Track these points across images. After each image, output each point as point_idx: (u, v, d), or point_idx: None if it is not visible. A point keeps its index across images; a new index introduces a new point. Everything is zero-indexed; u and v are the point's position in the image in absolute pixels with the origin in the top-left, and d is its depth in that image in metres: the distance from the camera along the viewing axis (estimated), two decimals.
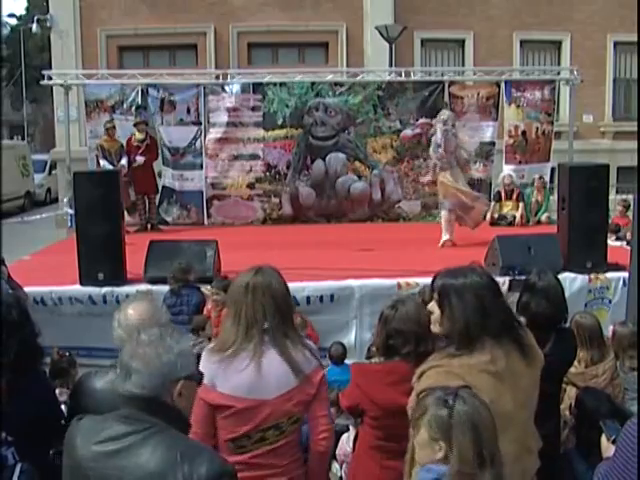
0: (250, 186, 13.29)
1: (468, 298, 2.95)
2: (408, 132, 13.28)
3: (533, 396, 3.10)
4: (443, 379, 2.80)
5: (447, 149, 10.14)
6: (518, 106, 13.40)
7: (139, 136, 12.33)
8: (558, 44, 20.20)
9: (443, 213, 10.48)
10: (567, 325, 4.39)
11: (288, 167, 13.27)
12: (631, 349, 5.15)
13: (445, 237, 10.21)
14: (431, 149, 10.58)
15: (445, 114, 10.51)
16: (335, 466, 5.09)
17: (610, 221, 12.18)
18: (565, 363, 4.14)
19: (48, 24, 18.59)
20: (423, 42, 19.47)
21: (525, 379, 2.99)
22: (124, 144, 12.34)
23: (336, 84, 13.44)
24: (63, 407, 3.80)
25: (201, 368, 3.03)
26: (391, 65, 16.24)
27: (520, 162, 13.54)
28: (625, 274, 7.32)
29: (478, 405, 2.39)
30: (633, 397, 4.95)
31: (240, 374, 3.04)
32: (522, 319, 4.10)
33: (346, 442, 5.05)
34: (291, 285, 3.78)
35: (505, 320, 3.01)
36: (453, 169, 10.27)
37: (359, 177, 13.38)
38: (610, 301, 7.98)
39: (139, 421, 2.25)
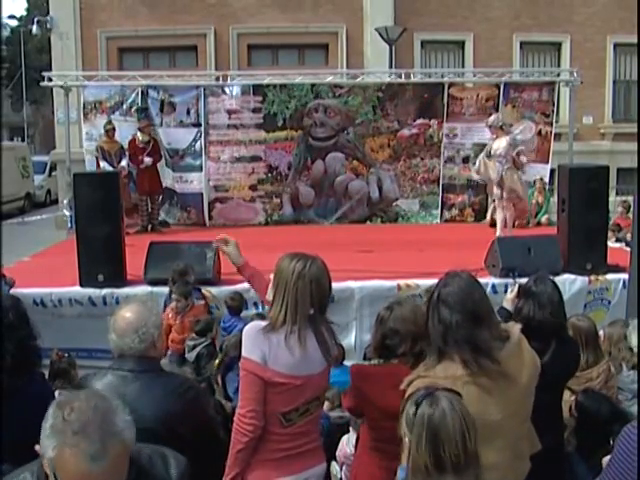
0: (252, 188, 13.32)
1: (447, 307, 3.00)
2: (405, 132, 13.31)
3: (526, 402, 3.10)
4: None
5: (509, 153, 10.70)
6: (514, 106, 13.41)
7: (143, 138, 12.32)
8: (558, 46, 20.19)
9: (499, 213, 10.86)
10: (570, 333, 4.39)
11: (289, 168, 13.30)
12: (620, 342, 5.15)
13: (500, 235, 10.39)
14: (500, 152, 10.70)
15: (494, 119, 10.93)
16: (335, 467, 5.08)
17: (611, 222, 12.26)
18: (566, 372, 4.10)
19: (48, 25, 18.59)
20: (423, 44, 19.47)
21: (517, 387, 2.99)
22: (124, 145, 12.33)
23: (336, 86, 13.46)
24: None
25: (249, 347, 3.23)
26: (391, 67, 16.25)
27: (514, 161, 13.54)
28: (625, 275, 7.33)
29: (447, 409, 2.36)
30: (627, 397, 4.97)
31: (292, 353, 3.22)
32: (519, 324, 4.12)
33: (346, 444, 5.05)
34: None
35: (494, 328, 3.02)
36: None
37: (357, 176, 13.40)
38: (609, 302, 7.99)
39: None
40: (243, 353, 3.25)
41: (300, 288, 3.25)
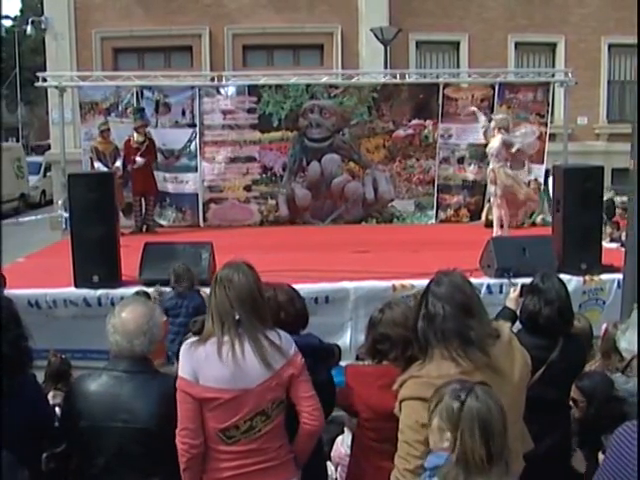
0: (247, 188, 13.30)
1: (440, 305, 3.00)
2: (400, 132, 13.32)
3: (518, 401, 3.11)
4: (422, 390, 2.85)
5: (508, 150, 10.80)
6: (509, 107, 13.42)
7: (139, 138, 12.30)
8: (553, 46, 20.24)
9: (495, 211, 10.87)
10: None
11: (284, 169, 13.29)
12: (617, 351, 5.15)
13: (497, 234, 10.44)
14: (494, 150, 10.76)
15: (503, 118, 11.03)
16: (330, 468, 5.08)
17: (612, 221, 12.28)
18: (573, 369, 4.10)
19: (43, 26, 18.56)
20: (418, 44, 19.49)
21: (509, 384, 2.99)
22: (118, 146, 12.32)
23: (331, 86, 13.45)
24: (58, 410, 3.79)
25: (181, 363, 3.13)
26: (386, 67, 16.26)
27: (507, 160, 13.56)
28: (619, 276, 7.33)
29: (490, 403, 2.47)
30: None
31: (222, 366, 3.09)
32: (524, 322, 4.12)
33: (341, 444, 5.05)
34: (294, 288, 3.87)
35: (485, 326, 3.02)
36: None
37: (353, 177, 13.41)
38: (604, 302, 8.00)
39: None
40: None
41: (218, 294, 3.19)
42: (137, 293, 6.79)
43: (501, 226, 10.71)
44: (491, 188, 10.93)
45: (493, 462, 2.41)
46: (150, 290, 7.21)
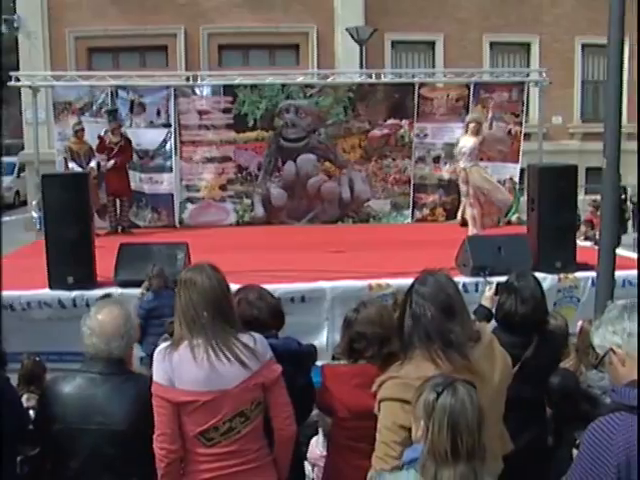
0: (222, 188, 13.26)
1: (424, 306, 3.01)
2: (376, 132, 13.35)
3: (498, 403, 3.12)
4: (400, 391, 2.85)
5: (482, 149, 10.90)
6: (484, 107, 13.49)
7: (114, 139, 12.22)
8: (527, 46, 20.40)
9: (468, 210, 10.90)
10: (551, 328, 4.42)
11: (259, 169, 13.26)
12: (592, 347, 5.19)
13: (474, 231, 10.49)
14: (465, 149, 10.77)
15: (476, 117, 11.00)
16: (307, 467, 5.08)
17: (583, 219, 12.40)
18: (548, 366, 4.14)
19: (15, 25, 18.38)
20: (393, 44, 19.56)
21: (489, 386, 2.99)
22: (93, 146, 12.23)
23: (307, 86, 13.44)
24: (32, 413, 3.76)
25: (155, 369, 3.10)
26: (362, 67, 16.30)
27: (482, 159, 13.65)
28: (594, 274, 7.39)
29: (466, 401, 2.50)
30: (597, 394, 5.01)
31: (197, 368, 3.07)
32: (499, 320, 4.15)
33: (315, 445, 5.06)
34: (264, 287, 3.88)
35: (466, 328, 3.03)
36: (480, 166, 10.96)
37: (329, 177, 13.42)
38: (579, 300, 8.05)
39: None
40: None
41: (182, 297, 3.18)
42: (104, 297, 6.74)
43: (475, 225, 10.77)
44: (463, 187, 10.99)
45: (460, 458, 2.45)
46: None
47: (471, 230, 10.55)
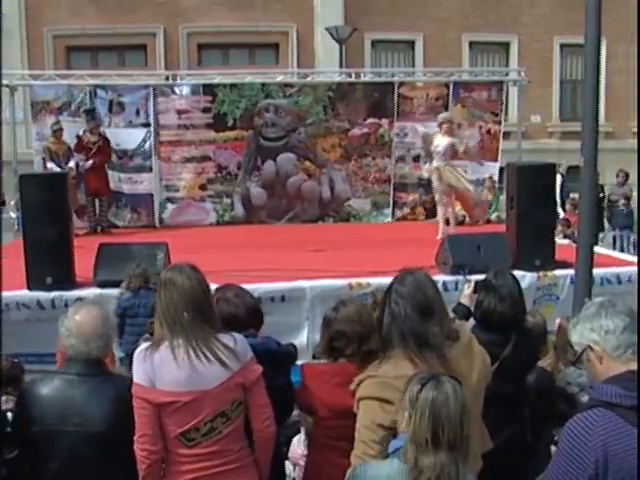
0: (202, 188, 13.23)
1: (401, 304, 3.02)
2: (356, 131, 13.37)
3: (477, 399, 3.14)
4: (379, 390, 2.87)
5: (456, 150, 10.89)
6: (463, 106, 13.56)
7: (92, 138, 12.14)
8: (506, 46, 20.51)
9: (440, 210, 10.95)
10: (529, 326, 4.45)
11: (239, 168, 13.24)
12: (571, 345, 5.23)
13: (443, 229, 10.54)
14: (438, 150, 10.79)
15: (447, 117, 10.97)
16: (288, 467, 5.08)
17: (561, 217, 12.48)
18: (525, 364, 4.17)
19: None
20: (373, 43, 19.60)
21: (467, 385, 2.98)
22: (72, 146, 12.14)
23: (286, 85, 13.43)
24: (10, 415, 3.73)
25: (135, 370, 3.09)
26: (341, 66, 16.32)
27: (461, 158, 13.70)
28: (572, 271, 7.43)
29: (450, 394, 2.55)
30: (575, 391, 5.06)
31: (178, 369, 3.06)
32: (478, 318, 4.16)
33: (297, 445, 5.05)
34: (243, 286, 3.88)
35: (444, 326, 3.05)
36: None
37: (309, 176, 13.42)
38: (558, 297, 8.09)
39: None
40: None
41: (162, 297, 3.17)
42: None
43: (447, 223, 10.79)
44: (436, 186, 11.00)
45: (441, 447, 2.50)
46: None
47: (440, 230, 10.54)
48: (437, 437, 2.50)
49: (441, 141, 10.71)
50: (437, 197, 11.05)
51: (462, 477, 2.58)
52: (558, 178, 15.35)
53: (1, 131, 12.02)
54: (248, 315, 3.67)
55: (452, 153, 10.81)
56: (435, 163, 10.82)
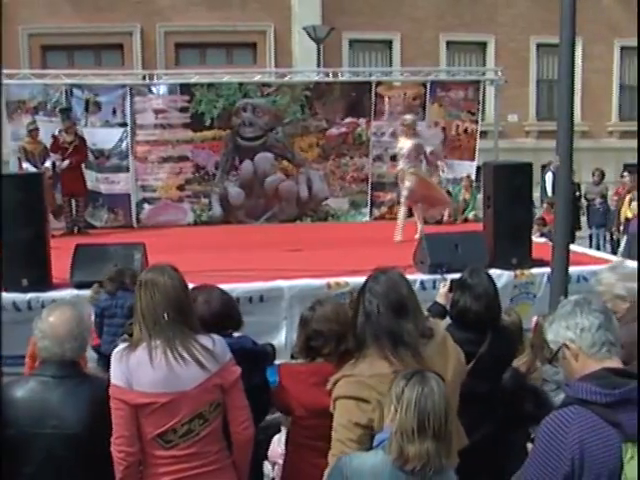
0: (180, 188, 13.18)
1: (374, 302, 3.03)
2: (334, 131, 13.38)
3: (452, 397, 3.14)
4: (355, 389, 2.88)
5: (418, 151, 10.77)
6: (440, 105, 13.62)
7: (68, 138, 12.05)
8: (483, 45, 20.63)
9: (401, 211, 10.85)
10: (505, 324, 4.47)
11: (217, 168, 13.20)
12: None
13: (398, 237, 10.51)
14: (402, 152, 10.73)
15: (410, 119, 10.85)
16: (267, 467, 5.07)
17: (537, 216, 12.56)
18: (501, 362, 4.16)
19: None
20: (351, 43, 19.64)
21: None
22: (48, 146, 12.05)
23: (264, 85, 13.42)
24: None
25: (113, 371, 3.08)
26: (319, 65, 16.33)
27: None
28: (549, 270, 7.48)
29: (434, 387, 2.62)
30: (552, 388, 5.11)
31: (155, 370, 3.05)
32: (454, 317, 4.18)
33: (277, 443, 5.04)
34: (220, 287, 3.87)
35: (418, 325, 3.05)
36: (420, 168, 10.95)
37: (287, 176, 13.41)
38: (535, 296, 8.14)
39: None
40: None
41: (143, 298, 3.15)
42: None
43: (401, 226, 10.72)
44: (399, 188, 10.95)
45: (427, 437, 2.55)
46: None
47: (397, 234, 10.53)
48: (423, 426, 2.54)
49: (405, 143, 10.69)
50: (402, 198, 11.00)
51: (445, 470, 2.63)
52: (550, 176, 15.54)
53: (1, 131, 12.02)
54: (225, 316, 3.66)
55: (416, 155, 10.73)
56: (400, 165, 10.80)
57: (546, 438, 2.49)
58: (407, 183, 10.57)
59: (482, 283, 4.11)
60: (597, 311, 2.65)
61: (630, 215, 13.29)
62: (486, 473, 3.75)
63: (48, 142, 12.12)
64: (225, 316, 3.65)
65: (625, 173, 15.65)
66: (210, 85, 13.10)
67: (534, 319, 5.57)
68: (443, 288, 4.46)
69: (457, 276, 4.54)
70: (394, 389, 2.65)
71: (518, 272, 8.13)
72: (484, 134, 14.71)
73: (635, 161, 20.37)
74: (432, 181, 11.54)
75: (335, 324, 3.45)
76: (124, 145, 12.90)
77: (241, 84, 13.23)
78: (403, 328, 2.97)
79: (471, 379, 3.54)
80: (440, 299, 4.45)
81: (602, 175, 16.62)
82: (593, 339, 2.60)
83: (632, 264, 5.98)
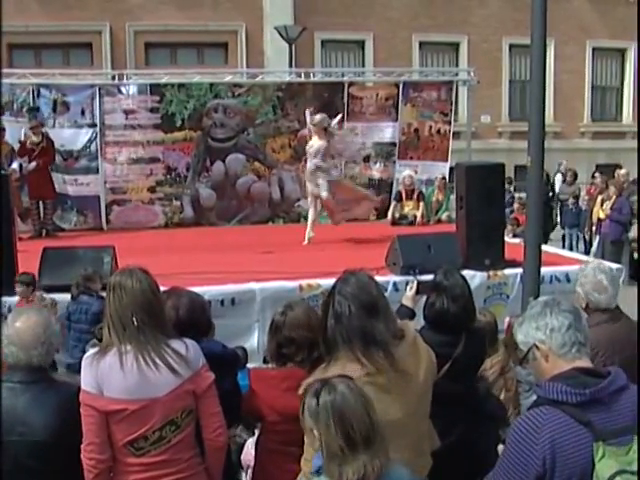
0: (151, 190, 13.06)
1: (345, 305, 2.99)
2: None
3: (424, 400, 3.13)
4: None
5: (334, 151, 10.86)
6: (413, 105, 13.64)
7: (35, 139, 11.87)
8: (456, 46, 20.72)
9: (310, 210, 10.84)
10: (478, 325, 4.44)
11: (188, 169, 13.11)
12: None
13: (311, 234, 10.52)
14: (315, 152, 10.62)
15: (317, 119, 10.73)
16: (241, 473, 5.02)
17: (511, 217, 12.62)
18: (474, 363, 4.18)
19: None
20: (323, 43, 19.64)
21: (414, 384, 3.01)
22: (14, 147, 11.87)
23: (235, 85, 13.36)
24: None
25: (83, 376, 3.03)
26: (291, 66, 16.30)
27: (412, 158, 13.79)
28: (522, 270, 7.49)
29: (346, 393, 2.53)
30: (525, 389, 5.12)
31: (126, 376, 3.01)
32: (430, 320, 4.14)
33: (251, 447, 4.98)
34: (192, 289, 3.84)
35: (388, 327, 3.02)
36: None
37: (259, 177, 13.35)
38: (508, 297, 8.16)
39: None
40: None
41: (112, 302, 3.11)
42: None
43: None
44: (309, 187, 10.82)
45: (358, 448, 2.46)
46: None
47: (308, 232, 10.53)
48: (350, 439, 2.47)
49: (315, 142, 10.63)
50: (309, 199, 10.97)
51: (386, 470, 2.52)
52: (559, 177, 15.78)
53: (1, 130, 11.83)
54: (192, 324, 3.58)
55: (324, 155, 10.59)
56: (308, 164, 10.74)
57: (517, 439, 2.50)
58: (321, 181, 10.45)
59: (458, 284, 4.08)
60: (566, 311, 2.67)
61: (602, 216, 13.37)
62: (459, 474, 3.73)
63: (15, 143, 11.94)
64: (192, 325, 3.57)
65: (596, 174, 15.79)
66: (181, 85, 13.00)
67: (506, 320, 5.58)
68: (410, 291, 4.39)
69: (427, 278, 4.50)
70: (307, 410, 2.57)
71: (491, 273, 8.15)
72: (457, 135, 14.76)
73: (607, 161, 20.67)
74: (348, 182, 11.57)
75: (307, 330, 3.41)
76: (93, 146, 12.74)
77: (212, 84, 13.16)
78: (375, 327, 2.95)
79: (446, 381, 3.52)
80: (407, 301, 4.37)
81: (575, 176, 16.75)
82: (563, 339, 2.62)
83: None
